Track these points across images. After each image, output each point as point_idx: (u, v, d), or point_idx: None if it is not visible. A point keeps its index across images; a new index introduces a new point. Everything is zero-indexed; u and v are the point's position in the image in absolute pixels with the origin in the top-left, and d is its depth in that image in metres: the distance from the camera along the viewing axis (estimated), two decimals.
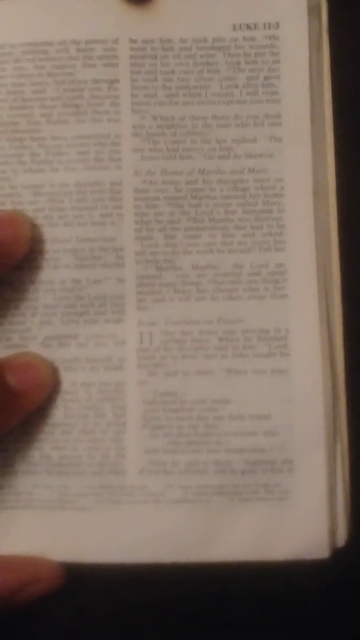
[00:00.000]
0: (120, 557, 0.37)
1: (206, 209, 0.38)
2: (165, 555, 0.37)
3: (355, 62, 0.39)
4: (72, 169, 0.38)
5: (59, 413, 0.37)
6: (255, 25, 0.39)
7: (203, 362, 0.38)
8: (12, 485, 0.37)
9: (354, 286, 0.38)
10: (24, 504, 0.37)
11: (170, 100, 0.38)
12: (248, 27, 0.39)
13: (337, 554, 0.37)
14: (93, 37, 0.39)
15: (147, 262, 0.38)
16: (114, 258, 0.38)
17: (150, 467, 0.37)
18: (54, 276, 0.38)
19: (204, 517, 0.37)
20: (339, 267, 0.38)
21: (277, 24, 0.38)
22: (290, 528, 0.37)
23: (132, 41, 0.38)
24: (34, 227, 0.38)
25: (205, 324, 0.38)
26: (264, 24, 0.39)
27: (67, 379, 0.38)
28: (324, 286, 0.38)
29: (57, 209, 0.38)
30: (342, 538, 0.37)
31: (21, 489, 0.37)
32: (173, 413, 0.37)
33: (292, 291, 0.38)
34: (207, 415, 0.37)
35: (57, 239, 0.38)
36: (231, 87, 0.38)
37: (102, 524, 0.37)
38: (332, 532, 0.37)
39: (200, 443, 0.37)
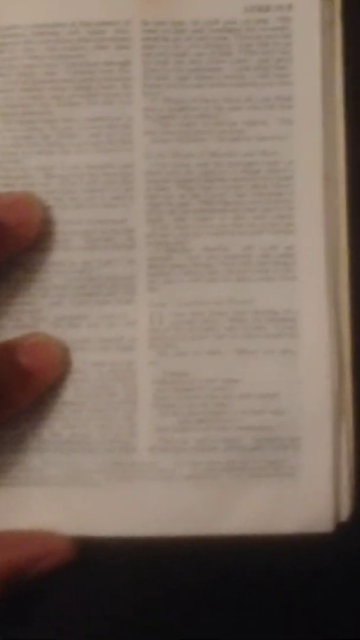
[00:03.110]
0: (131, 531, 0.38)
1: (217, 192, 0.38)
2: (175, 528, 0.38)
3: None
4: (83, 151, 0.38)
5: (70, 392, 0.38)
6: (268, 8, 0.38)
7: (213, 342, 0.38)
8: (22, 462, 0.38)
9: None
10: (35, 481, 0.38)
11: (182, 82, 0.38)
12: (260, 9, 0.38)
13: (341, 528, 0.38)
14: (104, 19, 0.38)
15: (158, 244, 0.38)
16: (125, 240, 0.38)
17: (160, 445, 0.38)
18: (64, 258, 0.38)
19: (214, 492, 0.38)
20: (347, 250, 0.39)
21: (290, 6, 0.38)
22: (296, 503, 0.38)
23: (144, 23, 0.38)
24: (45, 209, 0.38)
25: (215, 304, 0.38)
26: (277, 5, 0.38)
27: (78, 359, 0.38)
28: (333, 269, 0.38)
29: (68, 191, 0.38)
30: (345, 513, 0.38)
31: (32, 465, 0.38)
32: (183, 392, 0.38)
33: (301, 273, 0.38)
34: (217, 394, 0.38)
35: (68, 220, 0.38)
36: (243, 70, 0.38)
37: (114, 500, 0.38)
38: (337, 507, 0.38)
39: (210, 421, 0.38)
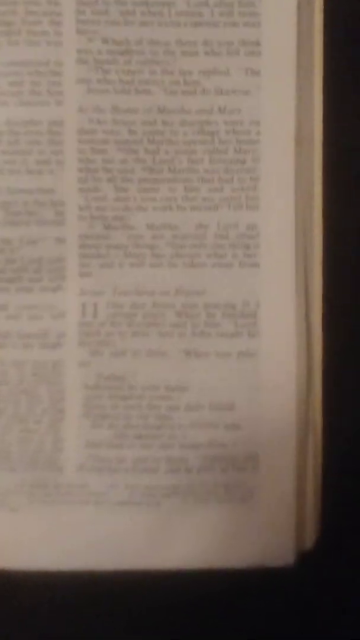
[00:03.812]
0: (55, 564, 0.32)
1: (165, 157, 0.32)
2: (107, 562, 0.32)
3: None
4: (2, 103, 0.31)
5: None
6: None
7: (157, 341, 0.32)
8: None
9: (339, 254, 0.32)
10: None
11: (124, 19, 0.31)
12: None
13: (304, 559, 0.32)
14: None
15: (93, 219, 0.32)
16: (53, 214, 0.32)
17: (91, 463, 0.32)
18: None
19: (153, 520, 0.32)
20: (321, 230, 0.32)
21: None
22: (252, 532, 0.32)
23: None
24: None
25: (160, 295, 0.32)
26: None
27: None
28: (303, 254, 0.32)
29: None
30: (310, 541, 0.33)
31: None
32: (120, 401, 0.32)
33: (265, 259, 0.32)
34: (160, 405, 0.32)
35: None
36: (200, 5, 0.31)
37: (35, 527, 0.32)
38: (299, 535, 0.32)
39: (150, 437, 0.32)
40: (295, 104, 0.31)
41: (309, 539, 0.33)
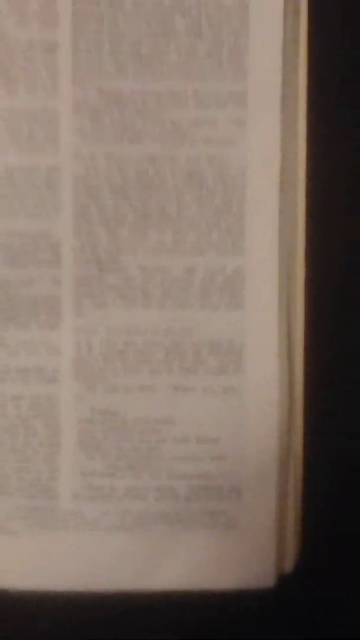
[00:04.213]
0: (51, 585, 0.34)
1: (156, 203, 0.33)
2: (99, 584, 0.34)
3: (338, 33, 0.33)
4: (1, 149, 0.33)
5: None
6: None
7: (147, 377, 0.34)
8: None
9: (320, 298, 0.34)
10: None
11: (118, 71, 0.33)
12: None
13: (284, 582, 0.35)
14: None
15: (87, 261, 0.33)
16: (49, 255, 0.33)
17: (85, 492, 0.34)
18: None
19: (143, 545, 0.34)
20: (303, 274, 0.34)
21: None
22: (235, 557, 0.34)
23: None
24: None
25: (151, 334, 0.34)
26: None
27: None
28: (286, 296, 0.34)
29: None
30: (290, 564, 0.35)
31: None
32: (112, 433, 0.34)
33: (249, 301, 0.33)
34: (150, 437, 0.34)
35: None
36: (191, 58, 0.33)
37: (32, 550, 0.34)
38: (280, 560, 0.34)
39: (141, 467, 0.34)
40: (280, 153, 0.33)
41: (289, 563, 0.34)
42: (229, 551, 0.34)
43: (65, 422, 0.33)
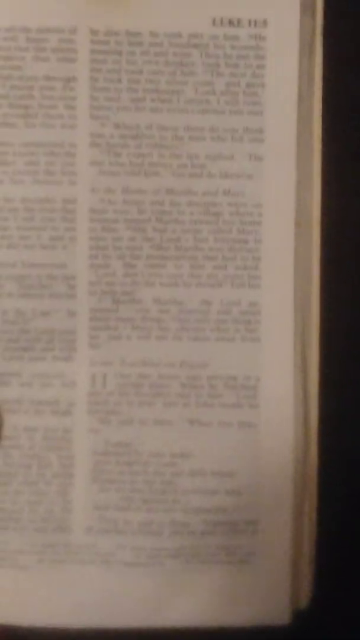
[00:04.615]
0: (63, 621, 0.34)
1: (172, 236, 0.33)
2: (113, 620, 0.34)
3: (352, 70, 0.34)
4: (18, 181, 0.33)
5: None
6: (239, 22, 0.33)
7: (162, 410, 0.33)
8: None
9: (335, 332, 0.34)
10: None
11: (135, 105, 0.33)
12: (231, 23, 0.33)
13: (299, 618, 0.34)
14: (46, 25, 0.32)
15: (103, 294, 0.33)
16: (65, 287, 0.33)
17: (99, 525, 0.33)
18: None
19: (158, 580, 0.34)
20: (318, 309, 0.34)
21: (265, 22, 0.33)
22: (251, 592, 0.34)
23: (94, 32, 0.33)
24: None
25: (166, 367, 0.33)
26: (249, 20, 0.33)
27: (8, 423, 0.33)
28: (301, 331, 0.34)
29: (0, 228, 0.33)
30: (305, 600, 0.34)
31: None
32: (126, 466, 0.33)
33: (265, 334, 0.33)
34: (165, 471, 0.33)
35: None
36: (207, 94, 0.33)
37: (45, 585, 0.34)
38: (295, 596, 0.34)
39: (155, 501, 0.33)
40: (296, 188, 0.33)
41: (304, 599, 0.34)
42: (244, 587, 0.33)
43: (79, 454, 0.33)
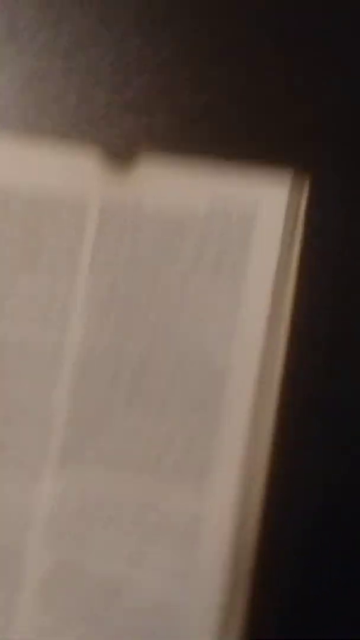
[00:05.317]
0: None
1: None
2: None
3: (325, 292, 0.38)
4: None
5: None
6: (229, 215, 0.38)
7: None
8: None
9: None
10: None
11: (130, 274, 0.37)
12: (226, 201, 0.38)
13: None
14: (61, 197, 0.38)
15: (77, 425, 0.36)
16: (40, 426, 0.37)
17: None
18: None
19: None
20: None
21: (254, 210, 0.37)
22: None
23: (102, 211, 0.38)
24: None
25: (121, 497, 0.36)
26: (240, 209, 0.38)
27: None
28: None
29: None
30: None
31: None
32: (72, 586, 0.35)
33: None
34: (107, 594, 0.35)
35: None
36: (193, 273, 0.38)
37: None
38: None
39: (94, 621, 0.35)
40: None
41: None
42: None
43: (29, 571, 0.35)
